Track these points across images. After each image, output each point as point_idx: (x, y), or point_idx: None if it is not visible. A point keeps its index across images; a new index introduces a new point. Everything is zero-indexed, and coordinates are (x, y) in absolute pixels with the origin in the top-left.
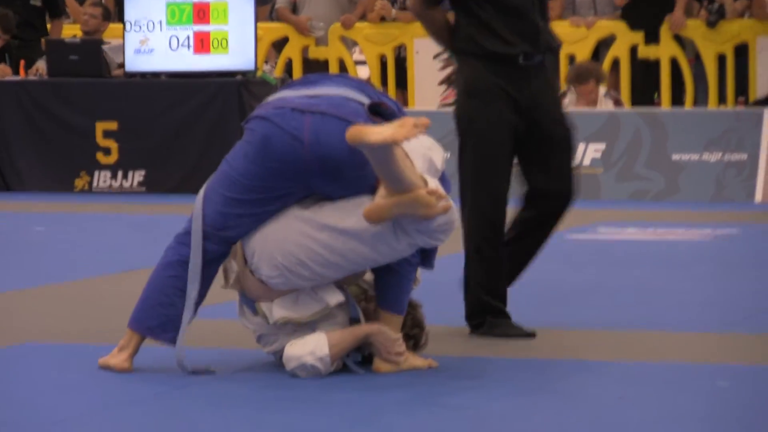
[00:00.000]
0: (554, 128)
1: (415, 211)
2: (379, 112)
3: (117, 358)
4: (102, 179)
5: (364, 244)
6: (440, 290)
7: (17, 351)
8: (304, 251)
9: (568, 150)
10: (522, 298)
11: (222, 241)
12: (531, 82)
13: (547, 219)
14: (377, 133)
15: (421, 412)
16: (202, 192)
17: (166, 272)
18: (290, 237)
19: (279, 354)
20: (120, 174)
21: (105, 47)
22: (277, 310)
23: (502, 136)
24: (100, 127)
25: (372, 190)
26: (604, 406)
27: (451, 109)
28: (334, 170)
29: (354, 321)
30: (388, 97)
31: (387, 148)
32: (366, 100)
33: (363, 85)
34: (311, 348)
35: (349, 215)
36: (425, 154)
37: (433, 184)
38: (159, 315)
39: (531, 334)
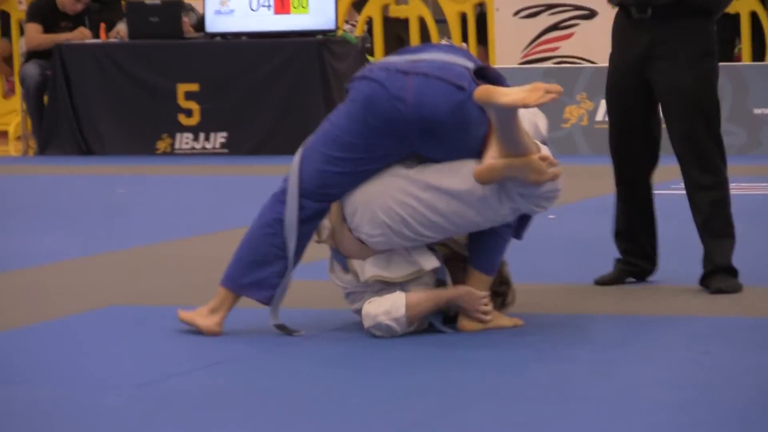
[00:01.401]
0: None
1: (526, 176)
2: (485, 76)
3: (207, 321)
4: (184, 141)
5: (467, 206)
6: (525, 247)
7: (102, 314)
8: (408, 210)
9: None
10: (603, 254)
11: (320, 199)
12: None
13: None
14: (507, 94)
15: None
16: (299, 151)
17: (262, 230)
18: (394, 195)
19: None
20: (202, 136)
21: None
22: (370, 269)
23: None
24: (182, 88)
25: (475, 154)
26: (688, 361)
27: (531, 66)
28: (436, 131)
29: (440, 282)
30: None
31: (512, 111)
32: (470, 65)
33: (467, 53)
34: (387, 307)
35: (454, 176)
36: (531, 120)
37: (545, 150)
38: (255, 272)
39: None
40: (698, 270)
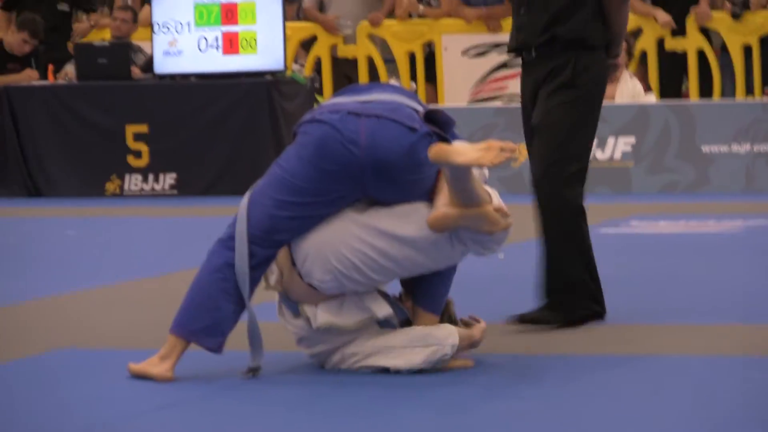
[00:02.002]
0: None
1: (480, 226)
2: (434, 119)
3: (158, 368)
4: (133, 182)
5: (419, 251)
6: (474, 285)
7: (51, 357)
8: (360, 257)
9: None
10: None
11: (270, 245)
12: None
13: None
14: (463, 154)
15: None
16: (247, 196)
17: (210, 276)
18: (347, 242)
19: (323, 356)
20: (151, 177)
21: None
22: (322, 315)
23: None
24: (130, 129)
25: (425, 196)
26: (638, 401)
27: (480, 105)
28: (389, 174)
29: (389, 325)
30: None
31: (466, 170)
32: (419, 107)
33: (413, 94)
34: (447, 334)
35: (406, 222)
36: None
37: (497, 199)
38: (204, 318)
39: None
40: (646, 308)
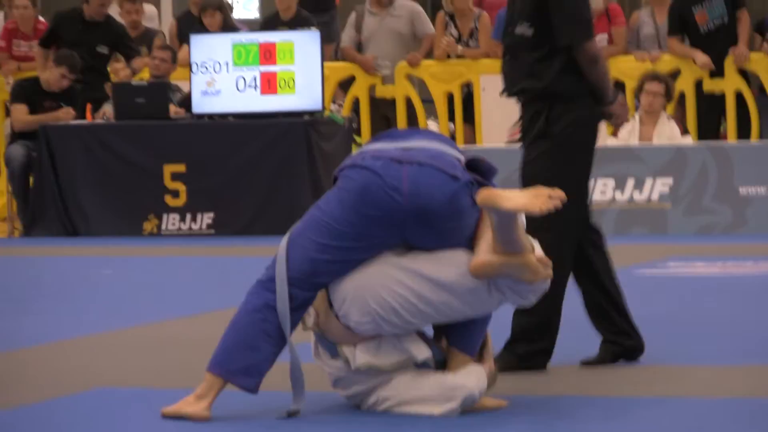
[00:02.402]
0: None
1: (521, 275)
2: (476, 167)
3: (195, 407)
4: (171, 222)
5: (457, 297)
6: (509, 324)
7: (87, 397)
8: (399, 300)
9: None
10: (591, 334)
11: (309, 287)
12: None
13: None
14: (511, 199)
15: None
16: (286, 238)
17: (250, 316)
18: (386, 284)
19: (358, 397)
20: (189, 216)
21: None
22: (361, 356)
23: None
24: (168, 169)
25: (465, 243)
26: None
27: (517, 146)
28: (431, 221)
29: (439, 364)
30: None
31: (513, 216)
32: (458, 155)
33: (452, 142)
34: (477, 380)
35: (445, 267)
36: None
37: (538, 248)
38: (243, 359)
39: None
40: (681, 350)
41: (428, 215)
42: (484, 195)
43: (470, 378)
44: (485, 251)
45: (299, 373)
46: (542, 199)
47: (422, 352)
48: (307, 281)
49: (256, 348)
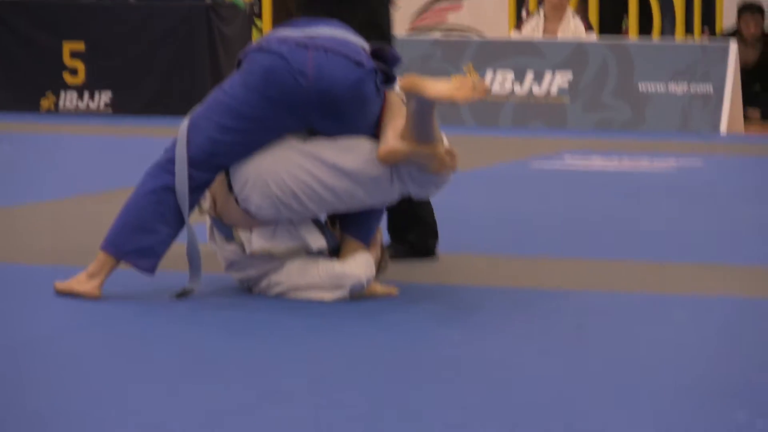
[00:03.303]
0: None
1: (429, 164)
2: (380, 56)
3: (86, 285)
4: (68, 99)
5: (359, 185)
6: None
7: None
8: (300, 186)
9: None
10: (486, 225)
11: (209, 168)
12: None
13: None
14: (435, 88)
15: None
16: (186, 120)
17: (147, 198)
18: (288, 169)
19: (251, 281)
20: (87, 94)
21: None
22: (257, 241)
23: None
24: (67, 47)
25: (368, 132)
26: (561, 336)
27: (419, 36)
28: (335, 106)
29: (333, 251)
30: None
31: (434, 103)
32: (363, 44)
33: (354, 31)
34: (365, 268)
35: (349, 155)
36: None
37: (446, 142)
38: (139, 239)
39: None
40: (571, 244)
41: (332, 100)
42: (408, 81)
43: (358, 266)
44: (394, 138)
45: (196, 252)
46: (467, 90)
47: (317, 240)
48: (208, 162)
49: (153, 229)
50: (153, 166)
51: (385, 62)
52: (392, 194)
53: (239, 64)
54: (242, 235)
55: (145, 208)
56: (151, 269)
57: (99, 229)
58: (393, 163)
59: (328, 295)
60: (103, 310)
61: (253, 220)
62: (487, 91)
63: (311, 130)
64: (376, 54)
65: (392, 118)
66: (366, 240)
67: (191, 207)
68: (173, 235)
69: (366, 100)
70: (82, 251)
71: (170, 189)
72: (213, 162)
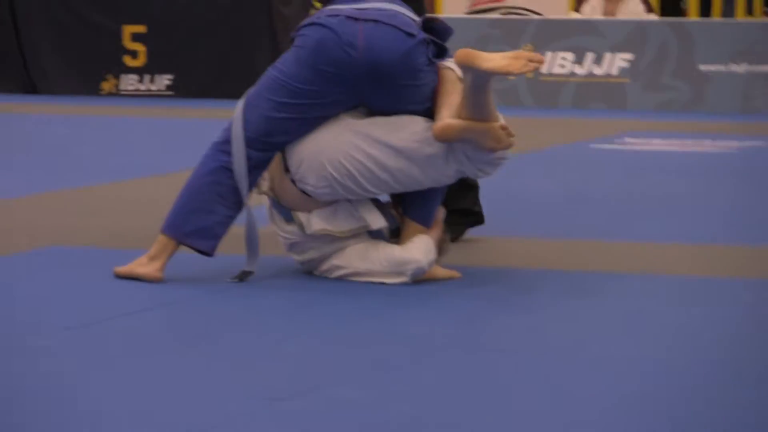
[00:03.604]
0: None
1: (483, 141)
2: (432, 28)
3: (147, 268)
4: (129, 82)
5: (414, 163)
6: None
7: (40, 255)
8: (356, 165)
9: None
10: (546, 208)
11: (266, 147)
12: None
13: None
14: (490, 60)
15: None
16: (242, 100)
17: (205, 179)
18: (343, 149)
19: (313, 263)
20: (147, 77)
21: None
22: (316, 221)
23: None
24: (128, 29)
25: (421, 107)
26: (622, 319)
27: (479, 16)
28: (385, 78)
29: (393, 232)
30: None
31: (490, 77)
32: (414, 16)
33: (408, 6)
34: (425, 252)
35: (404, 133)
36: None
37: (502, 119)
38: (198, 221)
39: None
40: (633, 226)
41: (383, 71)
42: (463, 54)
43: (418, 250)
44: (448, 115)
45: (255, 234)
46: (522, 61)
47: (377, 220)
48: (264, 141)
49: (212, 210)
50: (210, 147)
51: (437, 34)
52: (447, 173)
53: (292, 41)
54: (302, 216)
55: (203, 189)
56: (210, 250)
57: (159, 212)
58: (447, 140)
59: (388, 280)
60: (164, 292)
61: (311, 202)
62: (542, 63)
63: (365, 108)
64: (427, 26)
65: (447, 94)
66: (427, 223)
67: (249, 187)
68: (232, 216)
69: (417, 70)
70: (143, 234)
71: (228, 169)
72: (269, 140)
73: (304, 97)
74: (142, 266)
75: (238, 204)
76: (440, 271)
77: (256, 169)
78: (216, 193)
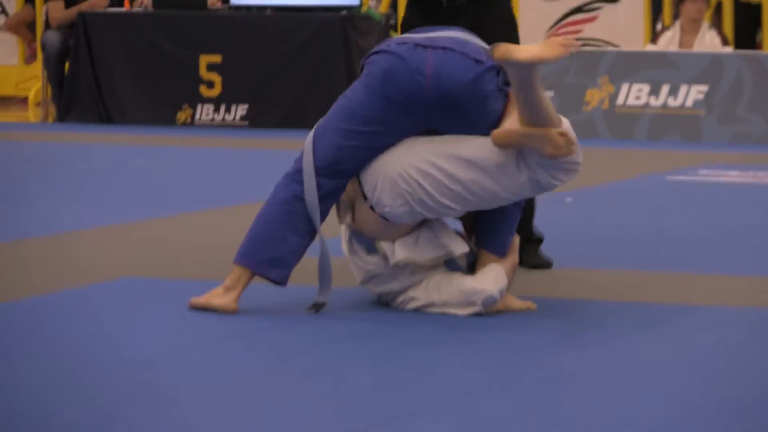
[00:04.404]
0: None
1: (542, 148)
2: None
3: (223, 299)
4: (205, 112)
5: (485, 173)
6: (540, 229)
7: (113, 286)
8: (427, 178)
9: None
10: (623, 238)
11: (337, 175)
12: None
13: None
14: (525, 50)
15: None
16: (313, 130)
17: (278, 208)
18: (412, 162)
19: (390, 295)
20: (223, 107)
21: None
22: (400, 251)
23: None
24: (204, 60)
25: (491, 131)
26: (702, 351)
27: None
28: (454, 104)
29: (470, 265)
30: None
31: (530, 70)
32: (483, 44)
33: (474, 34)
34: (496, 282)
35: (471, 144)
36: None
37: (566, 125)
38: (271, 250)
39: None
40: (707, 258)
41: (451, 98)
42: (498, 49)
43: (488, 280)
44: (508, 122)
45: (327, 265)
46: (555, 46)
47: (459, 246)
48: (334, 169)
49: (284, 239)
50: (283, 177)
51: None
52: (521, 180)
53: (362, 69)
54: (385, 246)
55: (275, 218)
56: (282, 280)
57: (233, 243)
58: (507, 146)
59: (461, 311)
60: (240, 324)
61: (392, 228)
62: (576, 47)
63: (434, 132)
64: None
65: (512, 111)
66: (501, 253)
67: (322, 216)
68: (304, 246)
69: (486, 97)
70: (217, 265)
71: (300, 199)
72: (339, 168)
73: (373, 124)
74: (217, 297)
75: (310, 233)
76: (516, 303)
77: (327, 197)
78: (288, 223)
